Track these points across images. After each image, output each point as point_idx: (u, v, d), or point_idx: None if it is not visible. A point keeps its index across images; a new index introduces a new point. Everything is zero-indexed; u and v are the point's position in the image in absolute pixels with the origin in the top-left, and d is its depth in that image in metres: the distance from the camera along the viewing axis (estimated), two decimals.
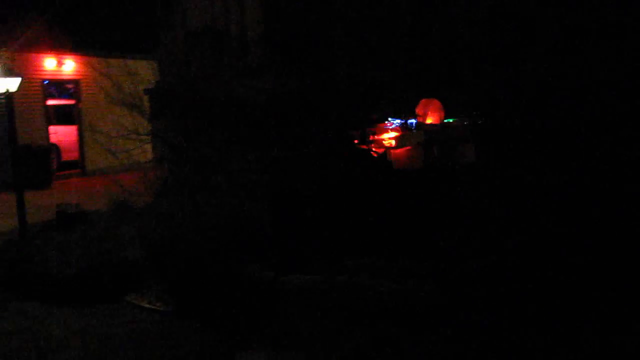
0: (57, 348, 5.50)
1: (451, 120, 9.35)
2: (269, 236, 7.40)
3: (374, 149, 9.11)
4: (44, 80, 16.76)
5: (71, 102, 18.29)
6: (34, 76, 16.09)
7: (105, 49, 17.09)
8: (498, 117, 8.93)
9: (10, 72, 9.39)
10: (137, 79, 9.85)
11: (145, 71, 10.20)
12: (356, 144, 9.23)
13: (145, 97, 9.80)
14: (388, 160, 8.76)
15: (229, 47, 10.80)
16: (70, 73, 17.62)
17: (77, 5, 17.35)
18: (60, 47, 16.91)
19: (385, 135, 9.41)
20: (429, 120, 9.14)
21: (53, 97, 18.36)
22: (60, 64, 17.20)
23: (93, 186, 15.67)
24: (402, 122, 9.41)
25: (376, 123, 9.60)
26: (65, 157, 18.19)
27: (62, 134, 18.21)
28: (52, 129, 17.53)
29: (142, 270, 6.94)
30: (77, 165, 18.08)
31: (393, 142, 8.76)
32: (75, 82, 17.87)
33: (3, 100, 15.43)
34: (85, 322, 6.11)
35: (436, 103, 9.17)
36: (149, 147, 9.74)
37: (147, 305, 6.46)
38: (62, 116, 18.32)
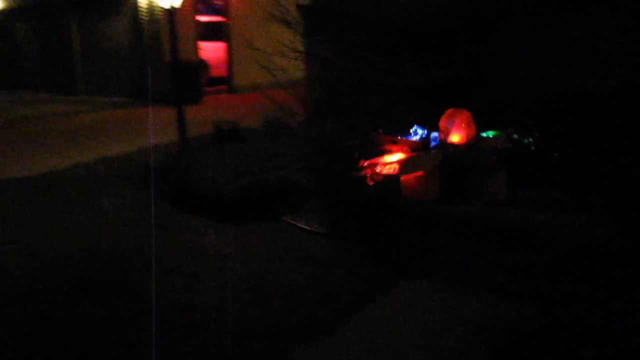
0: (221, 263, 5.58)
1: (490, 134, 6.96)
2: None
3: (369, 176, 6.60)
4: None
5: (220, 19, 18.50)
6: None
7: None
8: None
9: None
10: None
11: None
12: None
13: (295, 14, 9.58)
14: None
15: None
16: None
17: None
18: None
19: (386, 158, 6.78)
20: (453, 138, 6.76)
21: (202, 13, 18.64)
22: None
23: (241, 103, 15.97)
24: (422, 136, 6.92)
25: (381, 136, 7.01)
26: (214, 73, 18.59)
27: (210, 51, 18.57)
28: (201, 45, 17.89)
29: (300, 191, 6.88)
30: (225, 82, 18.44)
31: (395, 168, 6.47)
32: None
33: (146, 18, 15.96)
34: (245, 239, 6.17)
35: (464, 115, 6.91)
36: (299, 64, 9.58)
37: (306, 227, 6.41)
38: (211, 33, 18.62)
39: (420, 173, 6.45)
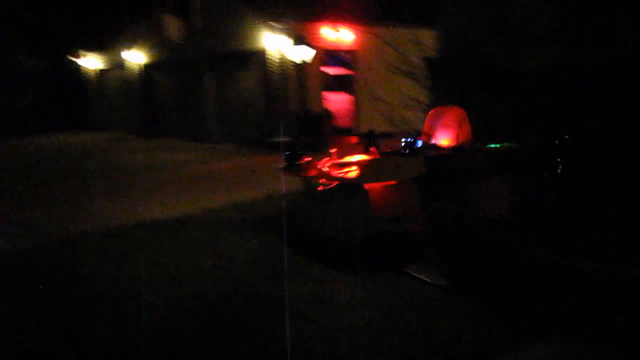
0: (343, 313, 5.63)
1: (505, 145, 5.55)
2: (553, 218, 6.84)
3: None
4: (321, 49, 17.55)
5: (347, 71, 18.95)
6: (313, 45, 16.94)
7: (385, 18, 17.35)
8: None
9: (303, 43, 9.85)
10: (417, 48, 9.76)
11: (425, 40, 10.07)
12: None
13: (424, 66, 9.70)
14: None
15: (513, 13, 10.18)
16: (348, 43, 18.19)
17: None
18: (338, 18, 17.54)
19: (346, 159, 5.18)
20: (440, 141, 5.26)
21: (328, 65, 19.17)
22: (338, 33, 17.84)
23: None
24: (407, 140, 5.60)
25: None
26: (338, 123, 18.98)
27: (335, 101, 19.02)
28: (326, 95, 18.38)
29: (421, 243, 6.84)
30: (349, 132, 18.76)
31: (354, 172, 4.97)
32: (352, 51, 18.43)
33: (275, 71, 16.69)
34: (365, 288, 6.19)
35: (454, 113, 5.44)
36: (422, 115, 9.64)
37: (425, 278, 6.34)
38: (337, 84, 19.09)
39: (392, 182, 5.11)
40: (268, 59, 17.71)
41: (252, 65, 18.88)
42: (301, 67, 9.93)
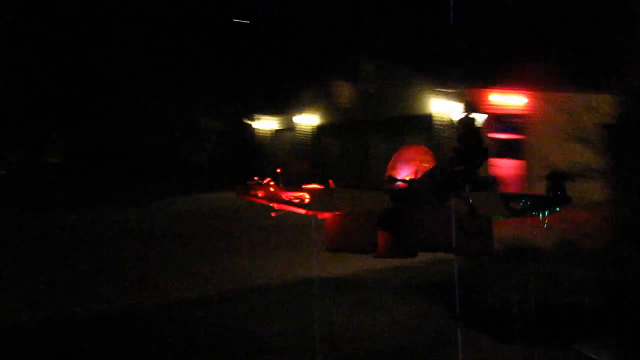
0: None
1: None
2: None
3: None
4: (491, 114, 17.33)
5: (516, 136, 18.53)
6: (481, 110, 16.79)
7: (557, 84, 16.90)
8: None
9: (471, 108, 9.83)
10: (592, 113, 9.37)
11: (601, 105, 9.64)
12: None
13: (600, 132, 9.26)
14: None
15: None
16: (518, 107, 17.85)
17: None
18: (508, 83, 17.32)
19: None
20: (401, 174, 5.19)
21: (497, 130, 18.86)
22: (506, 99, 17.59)
23: (532, 221, 15.51)
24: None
25: None
26: (505, 190, 18.46)
27: (502, 167, 18.58)
28: (493, 161, 17.99)
29: (593, 319, 6.44)
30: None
31: (306, 198, 4.92)
32: (522, 116, 18.04)
33: (441, 134, 16.61)
34: None
35: (416, 149, 5.38)
36: (596, 185, 9.15)
37: (596, 358, 5.94)
38: (504, 150, 18.70)
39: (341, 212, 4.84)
40: (435, 123, 17.78)
41: (419, 130, 19.03)
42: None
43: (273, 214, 4.78)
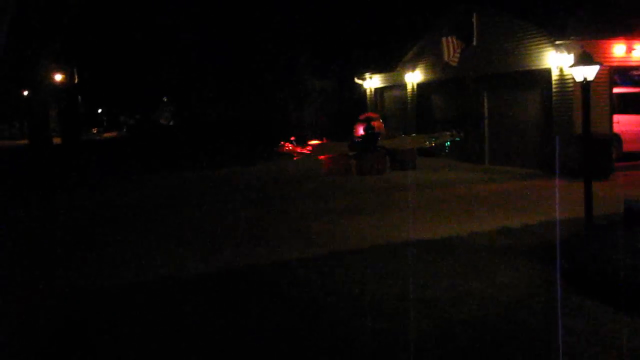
0: None
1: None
2: None
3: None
4: (610, 67, 16.13)
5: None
6: (601, 63, 15.63)
7: None
8: None
9: (587, 60, 9.09)
10: None
11: None
12: None
13: None
14: None
15: None
16: None
17: None
18: (632, 32, 16.05)
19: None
20: (359, 132, 11.53)
21: (618, 84, 17.64)
22: (630, 50, 16.31)
23: None
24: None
25: None
26: (629, 148, 17.34)
27: (625, 124, 17.42)
28: (615, 118, 16.87)
29: None
30: None
31: (309, 149, 9.76)
32: None
33: (556, 91, 15.67)
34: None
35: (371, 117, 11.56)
36: None
37: None
38: (629, 105, 17.49)
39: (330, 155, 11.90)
40: (549, 78, 16.79)
41: (532, 85, 18.06)
42: (586, 87, 9.13)
43: (295, 158, 10.01)
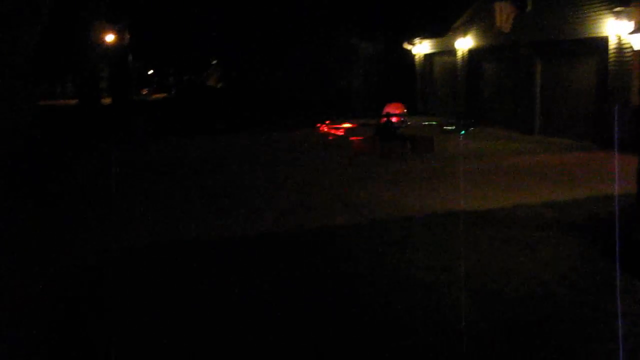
0: None
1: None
2: None
3: None
4: None
5: None
6: None
7: None
8: None
9: None
10: None
11: None
12: None
13: None
14: None
15: None
16: None
17: None
18: None
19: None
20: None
21: None
22: None
23: None
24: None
25: None
26: None
27: None
28: None
29: None
30: None
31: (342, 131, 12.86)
32: None
33: (613, 60, 15.01)
34: None
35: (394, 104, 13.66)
36: None
37: None
38: None
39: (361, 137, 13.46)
40: (606, 46, 16.12)
41: (587, 54, 17.38)
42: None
43: (330, 138, 12.09)
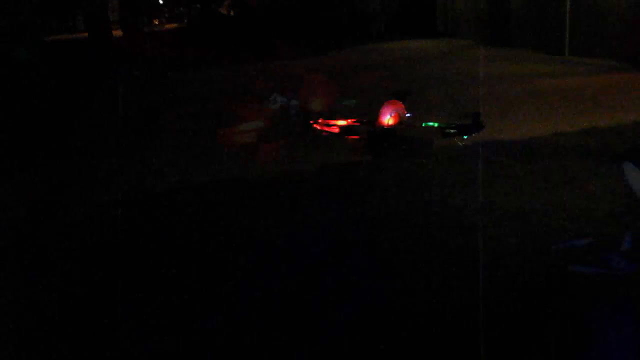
0: None
1: None
2: None
3: None
4: None
5: None
6: None
7: None
8: None
9: None
10: None
11: None
12: None
13: None
14: None
15: None
16: None
17: None
18: None
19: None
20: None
21: None
22: None
23: None
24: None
25: None
26: None
27: None
28: None
29: None
30: None
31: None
32: None
33: None
34: None
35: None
36: None
37: None
38: None
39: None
40: None
41: None
42: None
43: (324, 134, 9.35)
